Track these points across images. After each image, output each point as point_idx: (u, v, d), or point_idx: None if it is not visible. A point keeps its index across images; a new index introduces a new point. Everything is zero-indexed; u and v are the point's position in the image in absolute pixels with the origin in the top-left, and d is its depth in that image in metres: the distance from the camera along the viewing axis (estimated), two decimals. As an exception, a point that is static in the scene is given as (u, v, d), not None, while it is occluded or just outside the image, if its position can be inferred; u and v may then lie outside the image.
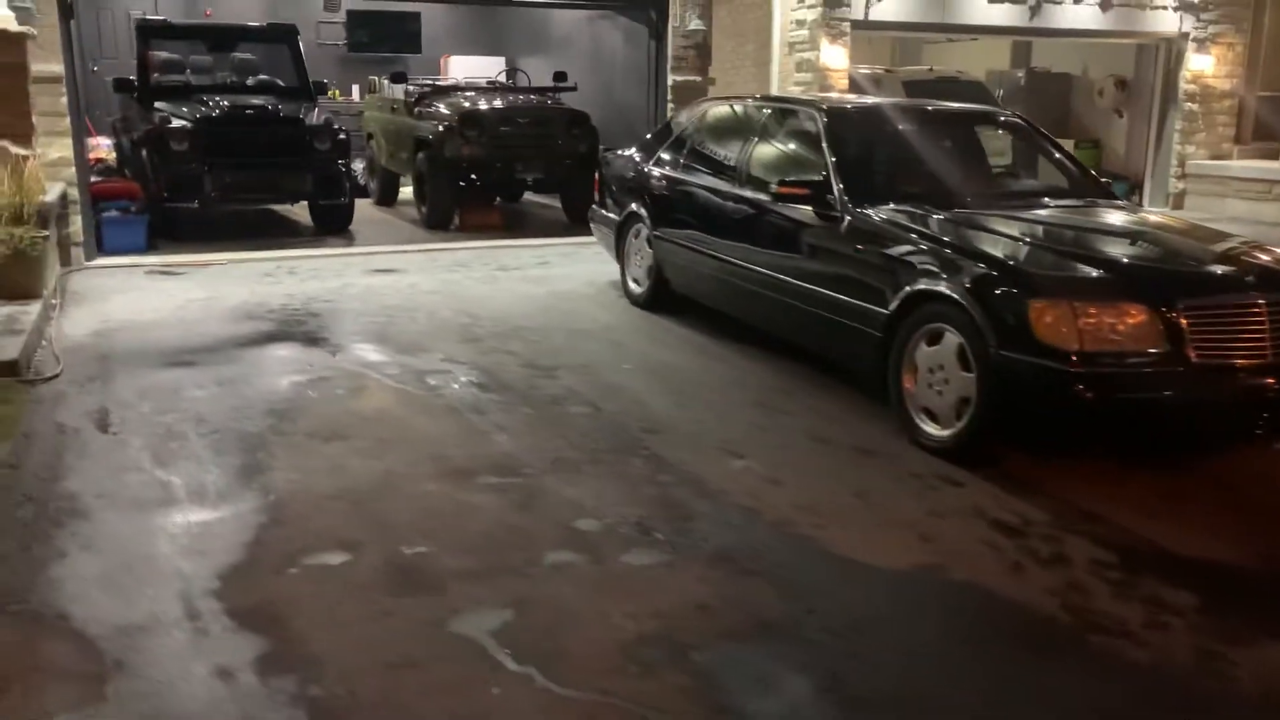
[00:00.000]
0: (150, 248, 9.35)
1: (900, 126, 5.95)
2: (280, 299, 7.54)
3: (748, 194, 6.05)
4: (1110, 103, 15.31)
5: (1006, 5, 13.00)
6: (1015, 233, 4.92)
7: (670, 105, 10.60)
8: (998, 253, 4.67)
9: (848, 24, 12.16)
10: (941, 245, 4.79)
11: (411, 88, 12.15)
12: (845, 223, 5.25)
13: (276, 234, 10.71)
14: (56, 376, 5.51)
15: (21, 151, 7.22)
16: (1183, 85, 14.39)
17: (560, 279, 8.48)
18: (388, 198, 12.95)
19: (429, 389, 5.45)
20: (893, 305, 4.82)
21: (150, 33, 10.89)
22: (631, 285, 7.55)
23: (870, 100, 6.88)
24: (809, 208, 5.45)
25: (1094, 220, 5.37)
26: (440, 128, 10.93)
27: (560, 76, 12.19)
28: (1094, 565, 3.63)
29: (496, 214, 11.61)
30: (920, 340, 4.70)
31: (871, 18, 12.27)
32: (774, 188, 5.53)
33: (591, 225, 8.43)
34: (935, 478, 4.37)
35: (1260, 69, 15.13)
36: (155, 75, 10.75)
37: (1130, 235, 5.06)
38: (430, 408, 5.16)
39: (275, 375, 5.65)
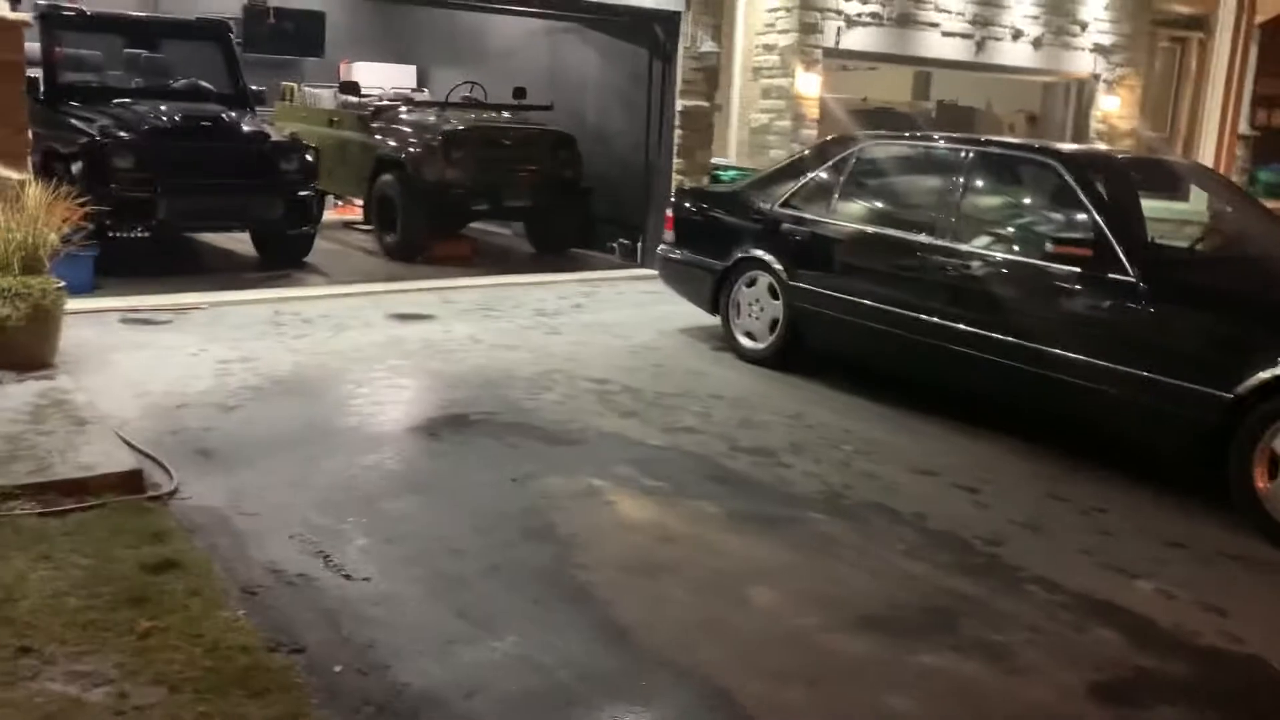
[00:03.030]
0: (94, 287, 7.67)
1: (1140, 180, 5.50)
2: (337, 360, 6.24)
3: (975, 250, 5.39)
4: (1021, 137, 15.69)
5: (957, 40, 13.01)
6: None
7: (678, 132, 9.80)
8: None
9: (820, 51, 11.78)
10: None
11: (353, 99, 10.75)
12: (1144, 289, 4.70)
13: (221, 268, 9.16)
14: (175, 492, 4.14)
15: (17, 176, 5.60)
16: (1093, 124, 14.93)
17: (622, 326, 7.53)
18: (310, 220, 11.42)
19: (677, 488, 4.48)
20: (1240, 389, 4.31)
21: (58, 23, 9.01)
22: (744, 340, 6.72)
23: (1094, 149, 6.40)
24: (1082, 270, 4.88)
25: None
26: (416, 148, 9.67)
27: (520, 93, 11.14)
28: None
29: (468, 244, 10.43)
30: (1284, 431, 4.22)
31: (841, 46, 11.95)
32: (1049, 248, 4.91)
33: (661, 270, 7.54)
34: (1356, 593, 3.89)
35: (1150, 111, 16.00)
36: (65, 75, 8.91)
37: None
38: (709, 517, 4.21)
39: (472, 474, 4.51)
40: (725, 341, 6.92)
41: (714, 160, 10.22)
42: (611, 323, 7.68)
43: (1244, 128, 18.04)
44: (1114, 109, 14.96)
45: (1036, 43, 13.75)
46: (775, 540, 4.04)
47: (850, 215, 6.15)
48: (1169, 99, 16.87)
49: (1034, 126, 15.53)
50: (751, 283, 6.66)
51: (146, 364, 5.94)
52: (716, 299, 6.91)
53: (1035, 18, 13.65)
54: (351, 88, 10.57)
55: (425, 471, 4.55)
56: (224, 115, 8.77)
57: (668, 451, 4.96)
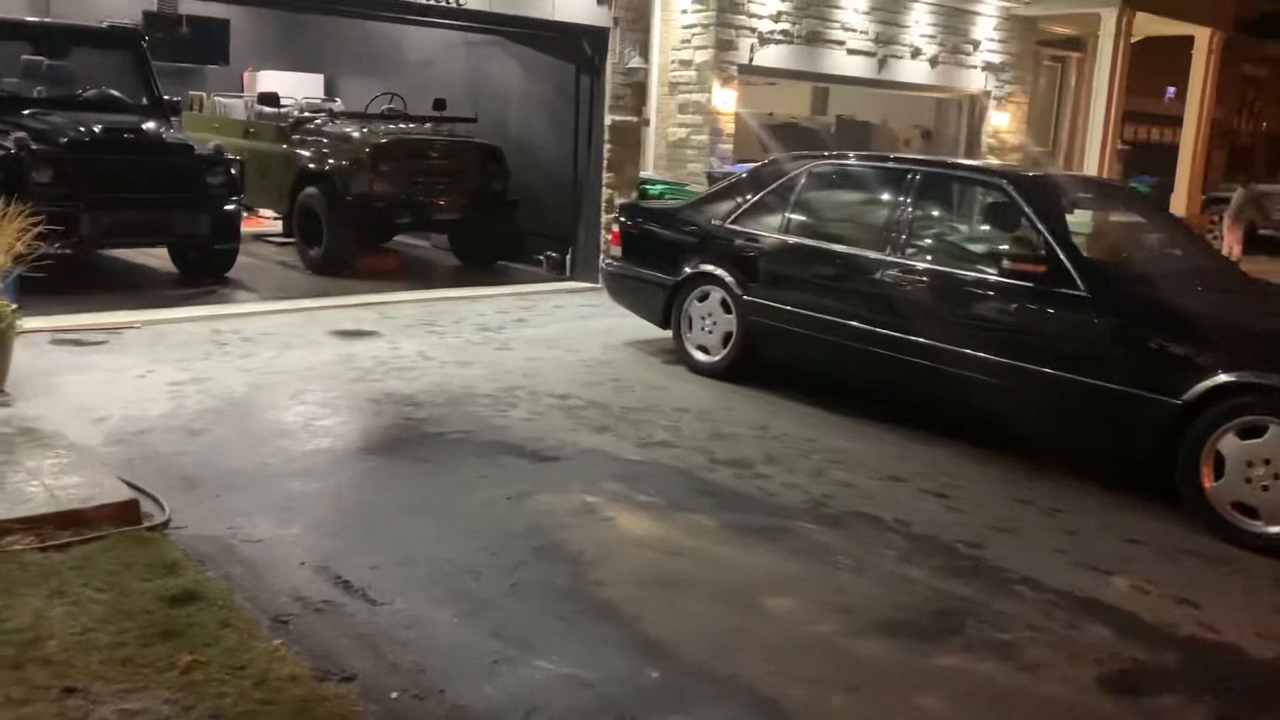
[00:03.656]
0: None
1: (1082, 199, 5.84)
2: (293, 380, 6.14)
3: (930, 266, 5.65)
4: (917, 151, 16.30)
5: (861, 58, 13.46)
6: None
7: (608, 147, 9.91)
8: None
9: (735, 68, 12.05)
10: (1238, 331, 4.71)
11: (270, 110, 10.52)
12: (1094, 303, 5.01)
13: (142, 285, 8.85)
14: (169, 522, 4.04)
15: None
16: (985, 139, 15.62)
17: (569, 341, 7.60)
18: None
19: (669, 503, 4.58)
20: (1188, 395, 4.64)
21: (-40, 28, 8.60)
22: (696, 354, 6.86)
23: (1039, 171, 6.74)
24: (1034, 285, 5.18)
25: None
26: (343, 160, 9.55)
27: (440, 104, 11.08)
28: None
29: (394, 258, 10.34)
30: (1228, 433, 4.56)
31: (755, 63, 12.25)
32: (1005, 264, 5.20)
33: (608, 284, 7.65)
34: (1303, 582, 4.24)
35: (1034, 126, 16.82)
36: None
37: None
38: (707, 530, 4.33)
39: (465, 493, 4.53)
40: (676, 355, 7.06)
41: (642, 174, 10.36)
42: (557, 337, 7.74)
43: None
44: (1003, 124, 15.68)
45: (933, 61, 14.31)
46: (775, 551, 4.18)
47: (804, 231, 6.35)
48: (1051, 115, 17.79)
49: (928, 141, 16.13)
50: (704, 297, 6.81)
51: (94, 387, 5.75)
52: (668, 313, 7.04)
53: (932, 37, 14.21)
54: (270, 98, 10.34)
55: (417, 492, 4.54)
56: (145, 127, 8.51)
57: (648, 466, 5.06)
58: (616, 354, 7.32)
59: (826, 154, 6.76)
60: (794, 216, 6.42)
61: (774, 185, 6.60)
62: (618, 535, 4.28)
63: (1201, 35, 16.38)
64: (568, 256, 10.39)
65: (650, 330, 7.46)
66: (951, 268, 5.62)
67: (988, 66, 15.15)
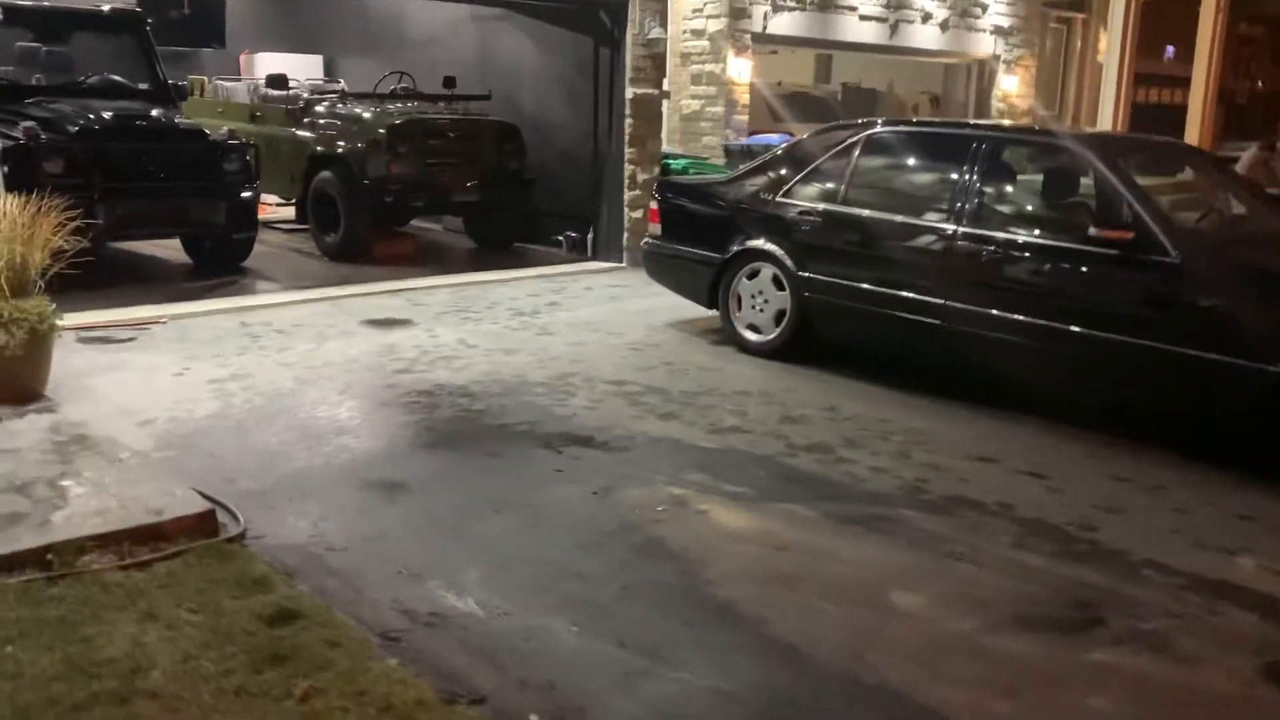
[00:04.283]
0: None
1: (1155, 161, 5.63)
2: (338, 373, 5.89)
3: (1011, 237, 5.41)
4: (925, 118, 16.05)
5: (873, 24, 13.20)
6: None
7: (629, 121, 9.62)
8: None
9: (749, 36, 11.77)
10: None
11: (278, 93, 10.17)
12: (1185, 270, 4.81)
13: (157, 277, 8.51)
14: (244, 534, 3.78)
15: (-14, 188, 5.06)
16: (994, 103, 15.39)
17: (608, 324, 7.34)
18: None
19: (760, 493, 4.38)
20: (1295, 364, 4.46)
21: (-43, 14, 8.23)
22: (747, 333, 6.63)
23: (1104, 133, 6.51)
24: (1121, 252, 4.96)
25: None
26: (359, 143, 9.24)
27: (450, 82, 10.75)
28: None
29: (411, 242, 10.04)
30: (1338, 402, 4.38)
31: (769, 31, 11.97)
32: (1092, 232, 4.98)
33: (648, 263, 7.40)
34: None
35: (1042, 89, 16.60)
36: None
37: None
38: (808, 522, 4.12)
39: (547, 489, 4.30)
40: (724, 335, 6.83)
41: (664, 149, 10.09)
42: (596, 320, 7.48)
43: (1120, 104, 18.95)
44: (1013, 88, 15.45)
45: (944, 25, 14.07)
46: (884, 542, 3.97)
47: (865, 202, 6.09)
48: (1057, 77, 17.57)
49: (937, 108, 15.90)
50: (754, 275, 6.57)
51: (132, 387, 5.48)
52: (714, 292, 6.80)
53: (942, 1, 13.97)
54: (279, 81, 9.98)
55: (495, 489, 4.31)
56: (156, 113, 8.18)
57: (726, 454, 4.85)
58: (660, 336, 7.08)
59: (885, 121, 6.48)
60: (853, 187, 6.16)
61: (828, 155, 6.34)
62: (717, 530, 4.07)
63: (1210, -7, 16.13)
64: (589, 236, 10.11)
65: (689, 310, 7.23)
66: (1028, 236, 5.40)
67: (997, 30, 14.91)
